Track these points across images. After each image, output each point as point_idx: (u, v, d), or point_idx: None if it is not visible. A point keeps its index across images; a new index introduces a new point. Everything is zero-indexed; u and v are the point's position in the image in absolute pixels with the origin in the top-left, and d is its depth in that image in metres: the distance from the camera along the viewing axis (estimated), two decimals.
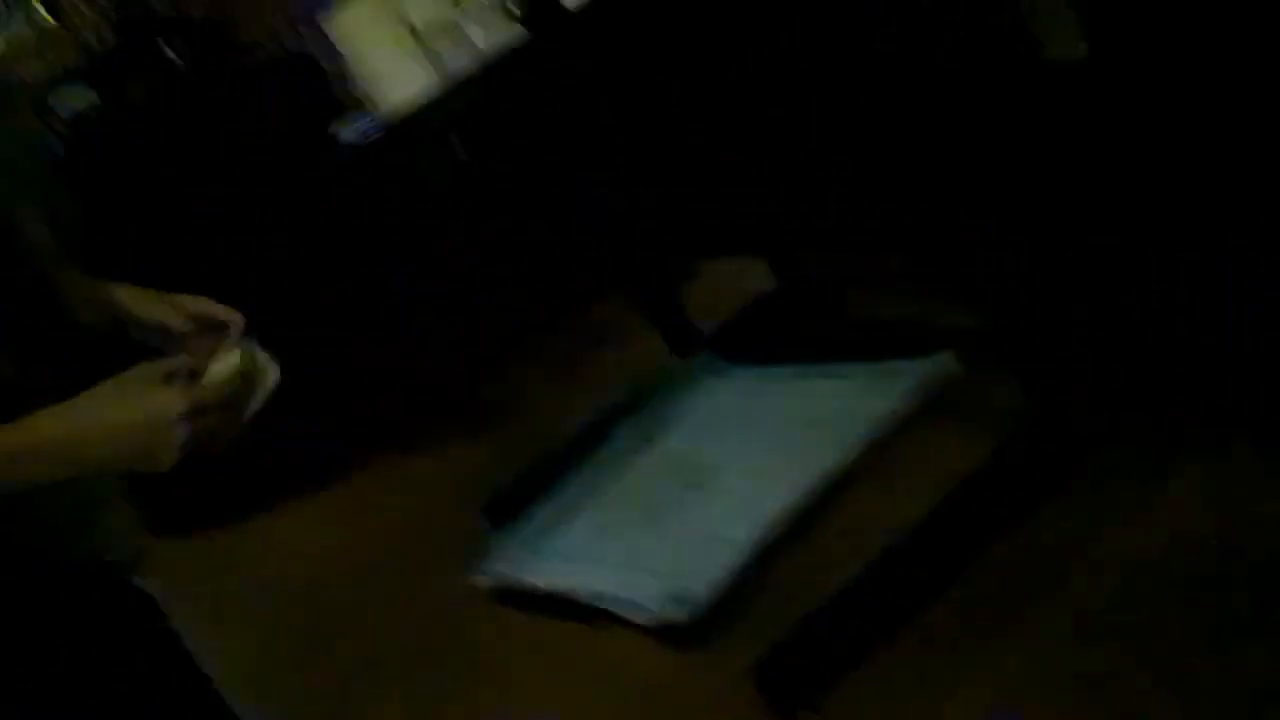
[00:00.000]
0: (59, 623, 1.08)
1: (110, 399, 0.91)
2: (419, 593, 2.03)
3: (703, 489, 1.88)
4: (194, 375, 0.96)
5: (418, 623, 1.96)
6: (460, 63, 2.49)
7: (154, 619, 1.20)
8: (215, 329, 1.11)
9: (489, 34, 2.48)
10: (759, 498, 1.74)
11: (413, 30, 2.52)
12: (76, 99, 4.41)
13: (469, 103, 2.57)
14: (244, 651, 2.13)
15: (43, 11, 4.62)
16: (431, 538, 2.19)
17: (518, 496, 2.03)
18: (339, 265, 2.78)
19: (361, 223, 2.81)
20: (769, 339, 2.18)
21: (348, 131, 2.79)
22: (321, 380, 2.66)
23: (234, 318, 1.13)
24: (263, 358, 1.06)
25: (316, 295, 2.71)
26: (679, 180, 2.43)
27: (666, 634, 1.61)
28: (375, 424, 2.67)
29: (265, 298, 2.75)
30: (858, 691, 1.38)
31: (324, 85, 3.12)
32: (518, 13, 2.30)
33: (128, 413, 0.91)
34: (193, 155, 3.32)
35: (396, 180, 2.88)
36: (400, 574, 2.13)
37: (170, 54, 4.12)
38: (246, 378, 1.00)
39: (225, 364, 1.00)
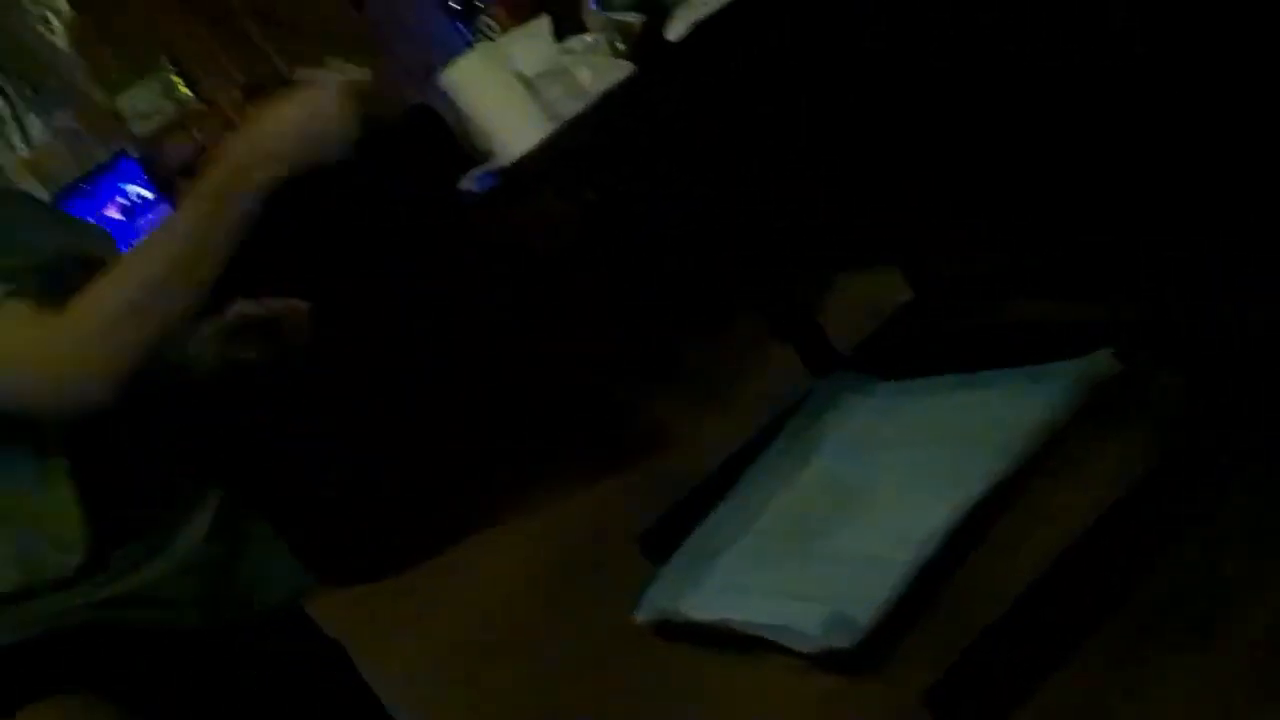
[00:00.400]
0: (256, 674, 1.13)
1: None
2: (580, 632, 2.05)
3: (857, 510, 1.84)
4: None
5: (580, 661, 1.97)
6: (572, 105, 2.52)
7: (345, 668, 1.25)
8: None
9: (598, 74, 2.51)
10: (916, 516, 1.69)
11: (523, 79, 2.57)
12: None
13: (587, 142, 2.60)
14: (410, 695, 2.18)
15: (181, 86, 4.91)
16: (589, 575, 2.21)
17: (671, 529, 2.03)
18: (476, 316, 2.84)
19: (491, 269, 2.87)
20: (911, 351, 2.13)
21: (469, 183, 2.85)
22: (467, 426, 2.73)
23: None
24: None
25: (457, 344, 2.78)
26: (806, 195, 2.41)
27: (831, 661, 1.58)
28: (522, 464, 2.71)
29: (411, 350, 2.85)
30: (1038, 714, 1.33)
31: (449, 138, 3.21)
32: (624, 49, 2.32)
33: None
34: (327, 220, 3.44)
35: (524, 222, 2.94)
36: (561, 613, 2.15)
37: None
38: None
39: None
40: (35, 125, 1.02)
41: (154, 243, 0.98)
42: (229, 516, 1.14)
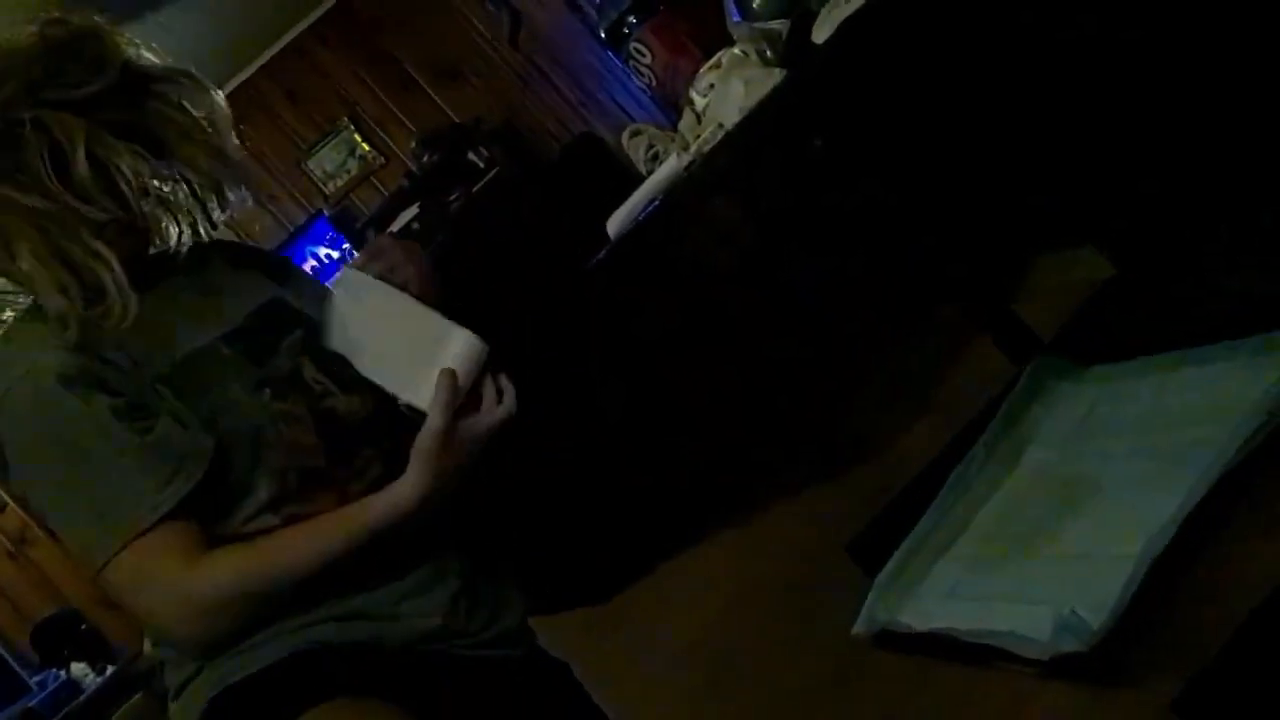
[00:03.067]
0: (499, 692, 1.18)
1: None
2: (800, 645, 2.03)
3: (1079, 504, 1.75)
4: None
5: (804, 676, 1.96)
6: (729, 119, 2.51)
7: (574, 688, 1.29)
8: None
9: (750, 85, 2.49)
10: (1144, 508, 1.59)
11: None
12: (402, 215, 4.89)
13: (750, 153, 2.59)
14: (638, 713, 2.22)
15: (363, 144, 5.17)
16: (803, 588, 2.19)
17: (882, 535, 1.99)
18: (669, 332, 2.87)
19: (673, 286, 2.89)
20: (1120, 331, 2.01)
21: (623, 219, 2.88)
22: (668, 448, 2.76)
23: None
24: None
25: (651, 363, 2.81)
26: (989, 177, 2.33)
27: (1064, 667, 1.50)
28: (723, 482, 2.71)
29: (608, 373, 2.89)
30: None
31: (613, 164, 3.26)
32: (773, 57, 2.30)
33: None
34: (500, 253, 3.54)
35: (698, 236, 2.94)
36: (780, 627, 2.14)
37: (478, 161, 4.47)
38: None
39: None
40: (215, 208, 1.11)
41: (295, 543, 1.08)
42: (469, 538, 1.22)
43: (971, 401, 2.13)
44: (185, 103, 1.10)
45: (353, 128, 5.17)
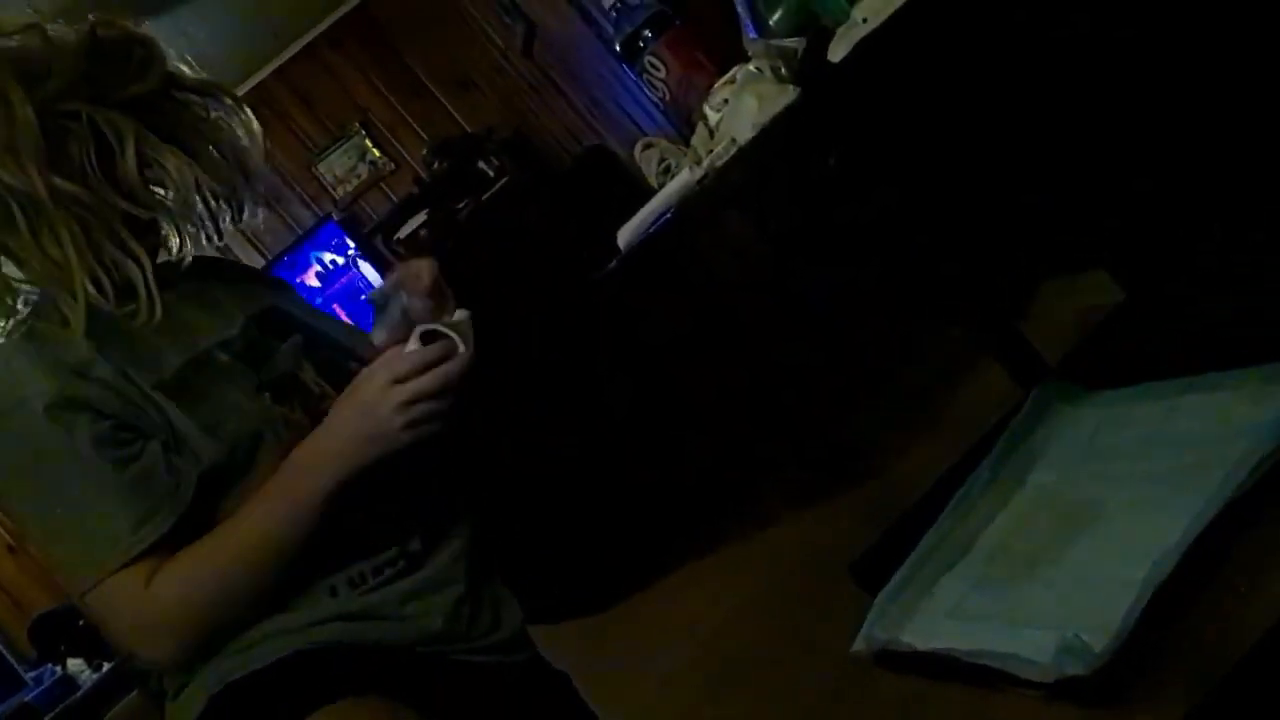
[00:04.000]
0: (500, 697, 1.18)
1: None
2: (799, 664, 2.03)
3: (1083, 528, 1.75)
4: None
5: (803, 692, 1.96)
6: (743, 134, 2.52)
7: (573, 697, 1.29)
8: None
9: (764, 101, 2.50)
10: (1149, 532, 1.60)
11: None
12: (410, 222, 4.90)
13: (763, 169, 2.60)
14: None
15: (373, 149, 5.19)
16: (803, 605, 2.19)
17: (884, 556, 1.99)
18: (676, 344, 2.87)
19: (683, 301, 2.90)
20: (1128, 356, 2.02)
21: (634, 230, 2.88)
22: (674, 460, 2.76)
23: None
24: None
25: (659, 375, 2.81)
26: (999, 201, 2.33)
27: (1066, 691, 1.50)
28: (729, 496, 2.72)
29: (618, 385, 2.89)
30: None
31: (625, 176, 3.27)
32: (788, 75, 2.31)
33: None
34: (508, 262, 3.55)
35: (710, 252, 2.96)
36: (778, 645, 2.14)
37: (488, 170, 4.49)
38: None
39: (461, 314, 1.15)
40: (226, 216, 1.14)
41: (233, 539, 1.07)
42: (477, 544, 1.21)
43: (977, 423, 2.14)
44: (214, 114, 1.13)
45: (364, 133, 5.19)
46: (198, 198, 1.12)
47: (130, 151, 1.03)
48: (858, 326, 2.75)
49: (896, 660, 1.82)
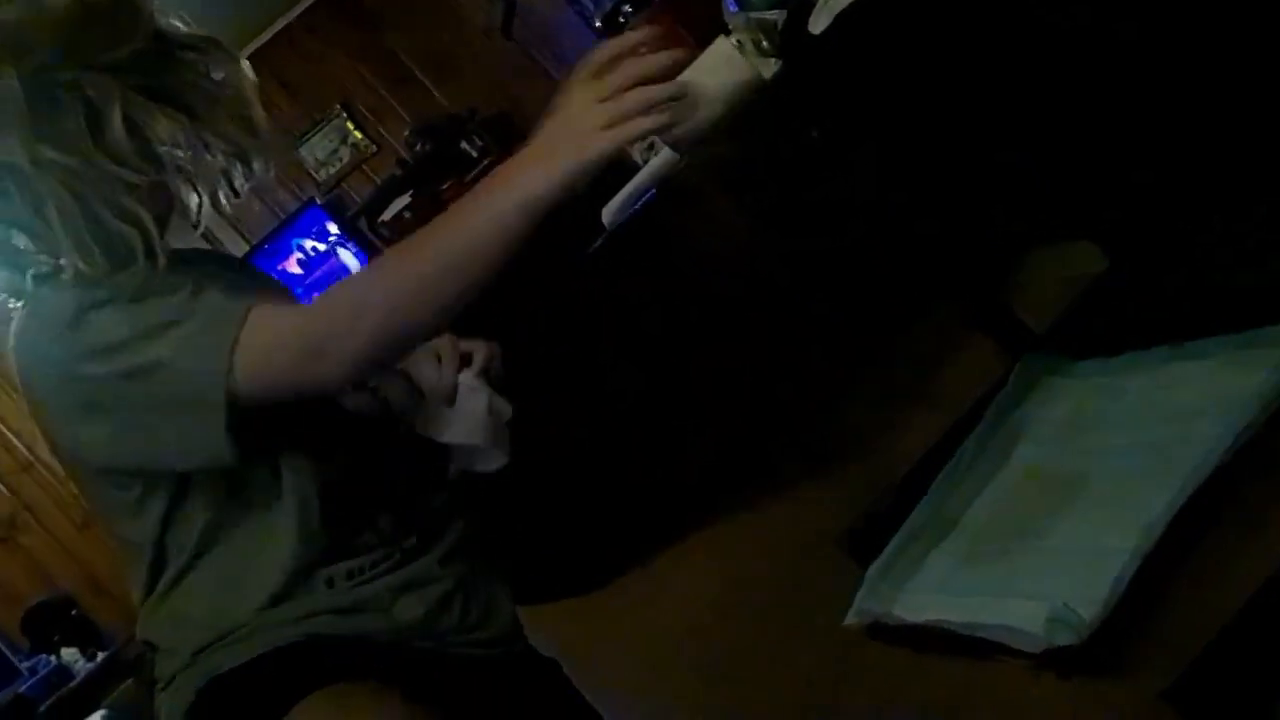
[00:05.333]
0: (490, 692, 1.19)
1: None
2: (791, 637, 2.04)
3: (1070, 499, 1.76)
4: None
5: (794, 668, 1.97)
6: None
7: (566, 685, 1.30)
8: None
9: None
10: (1135, 503, 1.61)
11: None
12: (394, 204, 4.88)
13: (747, 145, 2.59)
14: (625, 708, 2.22)
15: (355, 131, 5.16)
16: (795, 579, 2.20)
17: (874, 529, 2.00)
18: (661, 324, 2.87)
19: (668, 278, 2.89)
20: (1112, 325, 2.02)
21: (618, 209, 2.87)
22: (663, 437, 2.76)
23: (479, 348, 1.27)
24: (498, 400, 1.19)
25: (646, 354, 2.81)
26: (982, 173, 2.33)
27: (1057, 660, 1.52)
28: (717, 470, 2.72)
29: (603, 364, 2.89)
30: None
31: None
32: (769, 47, 2.30)
33: None
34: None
35: (693, 226, 2.95)
36: (769, 621, 2.15)
37: (471, 151, 4.46)
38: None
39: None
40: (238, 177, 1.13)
41: (415, 240, 1.00)
42: (468, 540, 1.21)
43: (965, 396, 2.14)
44: (212, 70, 1.09)
45: (345, 115, 5.15)
46: (207, 155, 1.10)
47: (116, 116, 1.00)
48: (843, 304, 2.75)
49: (888, 633, 1.83)
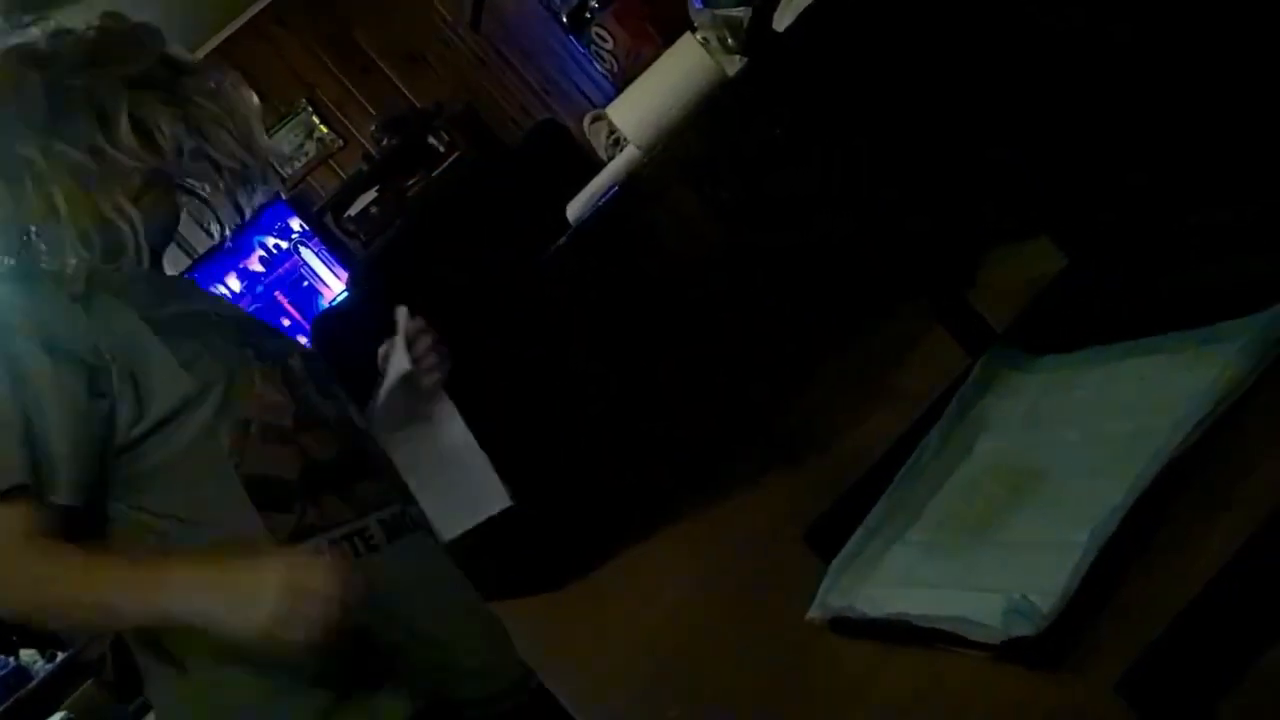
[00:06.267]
0: None
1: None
2: (756, 631, 2.05)
3: (1029, 493, 1.78)
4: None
5: (758, 662, 1.98)
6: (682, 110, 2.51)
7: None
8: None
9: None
10: (1092, 497, 1.63)
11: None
12: (360, 199, 4.85)
13: (708, 137, 2.59)
14: (594, 698, 2.22)
15: (321, 126, 5.12)
16: (760, 573, 2.21)
17: (838, 523, 2.01)
18: (625, 324, 2.87)
19: (634, 276, 2.89)
20: (1071, 322, 2.05)
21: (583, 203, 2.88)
22: (629, 433, 2.76)
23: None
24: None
25: (611, 353, 2.81)
26: (943, 170, 2.35)
27: (1015, 651, 1.54)
28: (684, 467, 2.72)
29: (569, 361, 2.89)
30: (1246, 701, 1.27)
31: (575, 150, 3.25)
32: (734, 44, 2.31)
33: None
34: (459, 238, 3.51)
35: (657, 225, 2.95)
36: (734, 614, 2.16)
37: (438, 146, 4.45)
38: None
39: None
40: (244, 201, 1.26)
41: (110, 576, 1.03)
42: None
43: (927, 392, 2.16)
44: (217, 93, 1.18)
45: (310, 110, 5.12)
46: (209, 164, 1.18)
47: (123, 112, 1.11)
48: (807, 300, 2.76)
49: (850, 626, 1.85)
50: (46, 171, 1.10)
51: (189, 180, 1.20)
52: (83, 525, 1.05)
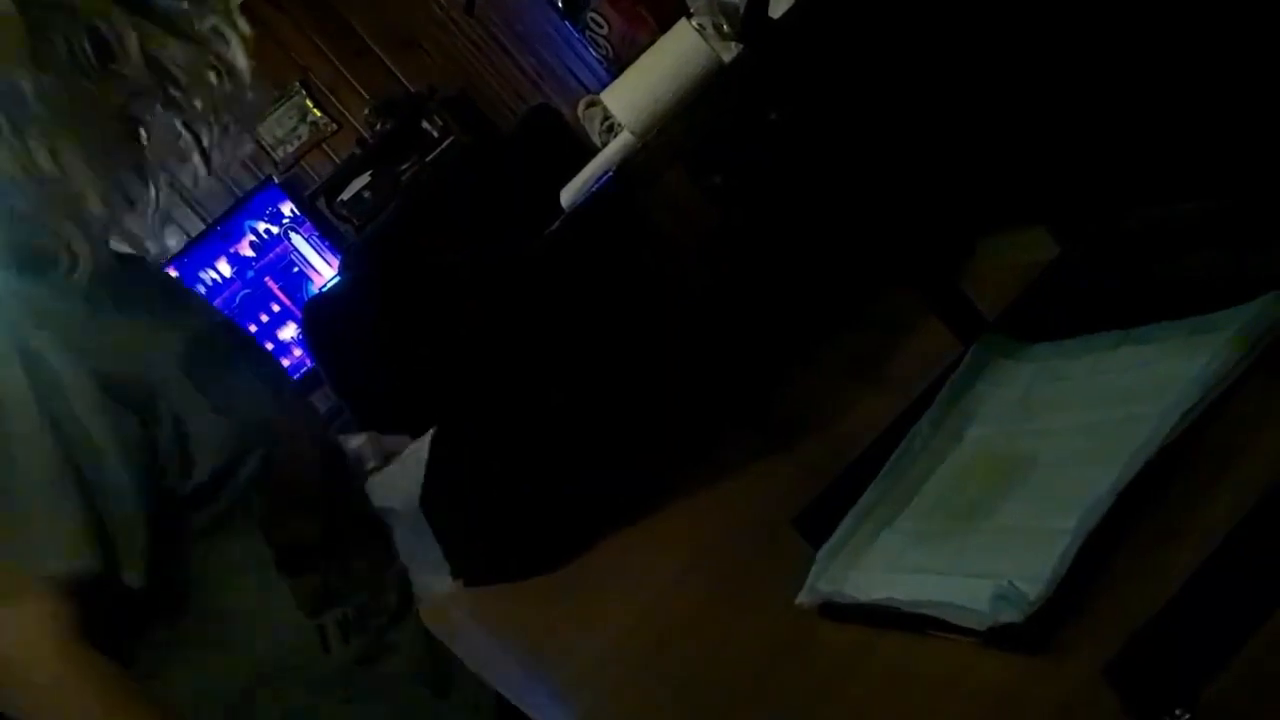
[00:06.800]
0: None
1: None
2: (745, 616, 2.06)
3: (1018, 480, 1.79)
4: None
5: (747, 648, 1.99)
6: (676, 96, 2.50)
7: None
8: None
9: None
10: (1081, 483, 1.63)
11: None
12: (353, 184, 4.83)
13: (703, 124, 2.58)
14: (582, 684, 2.23)
15: (314, 109, 5.10)
16: (748, 559, 2.22)
17: (827, 509, 2.02)
18: (618, 310, 2.87)
19: (626, 263, 2.89)
20: (1063, 310, 2.05)
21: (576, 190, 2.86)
22: (619, 418, 2.77)
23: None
24: None
25: (602, 338, 2.81)
26: (938, 158, 2.35)
27: (1002, 637, 1.54)
28: (674, 452, 2.73)
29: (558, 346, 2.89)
30: (1232, 687, 1.28)
31: (569, 135, 3.24)
32: (730, 31, 2.30)
33: None
34: (452, 223, 3.51)
35: (652, 211, 2.95)
36: (724, 599, 2.17)
37: (432, 130, 4.43)
38: None
39: None
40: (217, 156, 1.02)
41: None
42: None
43: (918, 379, 2.17)
44: (207, 29, 0.99)
45: (304, 93, 5.09)
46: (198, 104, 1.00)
47: (132, 38, 0.91)
48: (800, 287, 2.76)
49: (839, 611, 1.85)
50: (41, 114, 0.87)
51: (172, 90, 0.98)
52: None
